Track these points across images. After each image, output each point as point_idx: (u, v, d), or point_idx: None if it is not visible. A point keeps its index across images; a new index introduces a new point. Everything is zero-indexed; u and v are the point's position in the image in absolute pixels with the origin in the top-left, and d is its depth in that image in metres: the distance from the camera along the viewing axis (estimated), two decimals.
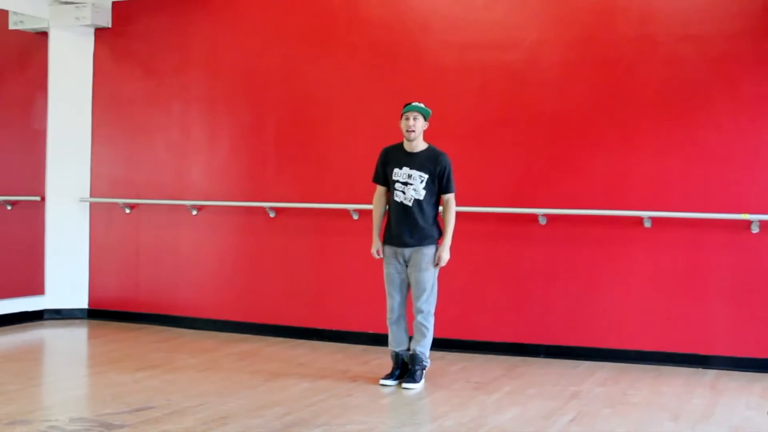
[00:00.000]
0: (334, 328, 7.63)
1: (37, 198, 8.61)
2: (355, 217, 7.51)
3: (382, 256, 6.05)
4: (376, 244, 6.07)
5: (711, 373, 6.44)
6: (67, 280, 8.63)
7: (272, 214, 7.90)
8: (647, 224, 6.70)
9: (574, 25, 6.99)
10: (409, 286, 6.01)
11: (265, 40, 8.00)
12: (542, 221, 6.98)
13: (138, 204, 8.51)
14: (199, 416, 5.07)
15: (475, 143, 7.22)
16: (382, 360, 6.61)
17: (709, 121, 6.63)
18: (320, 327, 7.69)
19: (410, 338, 6.06)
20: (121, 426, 4.82)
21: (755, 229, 6.47)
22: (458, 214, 7.19)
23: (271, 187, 7.92)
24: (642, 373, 6.42)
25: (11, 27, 8.46)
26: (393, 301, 6.02)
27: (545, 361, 6.84)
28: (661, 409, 5.43)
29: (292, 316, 7.82)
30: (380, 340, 6.76)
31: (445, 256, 5.94)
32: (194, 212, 8.25)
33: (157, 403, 5.33)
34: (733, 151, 6.57)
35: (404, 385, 5.90)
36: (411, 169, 5.89)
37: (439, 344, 7.13)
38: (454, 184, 5.98)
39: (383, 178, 6.06)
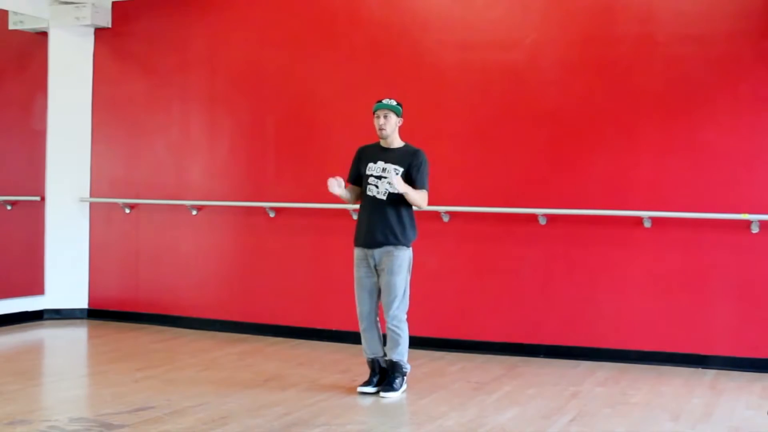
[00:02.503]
0: (334, 328, 7.62)
1: (37, 198, 8.61)
2: (355, 217, 7.49)
3: (337, 181, 5.67)
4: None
5: (711, 373, 6.43)
6: (67, 280, 8.63)
7: (272, 214, 7.90)
8: (647, 224, 6.70)
9: (574, 25, 6.99)
10: (379, 291, 5.71)
11: (265, 40, 8.00)
12: (542, 221, 6.98)
13: (138, 204, 8.51)
14: (199, 416, 5.07)
15: (475, 143, 7.22)
16: None
17: (709, 121, 6.62)
18: (320, 327, 7.69)
19: (385, 342, 5.79)
20: (121, 426, 4.82)
21: (755, 229, 6.46)
22: (458, 214, 7.22)
23: (271, 187, 7.92)
24: (642, 373, 6.42)
25: (11, 27, 8.46)
26: (363, 307, 5.73)
27: (545, 361, 6.84)
28: (661, 409, 5.43)
29: (292, 316, 7.82)
30: None
31: (397, 183, 5.46)
32: (194, 212, 8.25)
33: (157, 403, 5.33)
34: (733, 151, 6.56)
35: (382, 393, 5.62)
36: (386, 163, 5.69)
37: (438, 344, 7.15)
38: (427, 182, 5.70)
39: (355, 176, 5.86)
